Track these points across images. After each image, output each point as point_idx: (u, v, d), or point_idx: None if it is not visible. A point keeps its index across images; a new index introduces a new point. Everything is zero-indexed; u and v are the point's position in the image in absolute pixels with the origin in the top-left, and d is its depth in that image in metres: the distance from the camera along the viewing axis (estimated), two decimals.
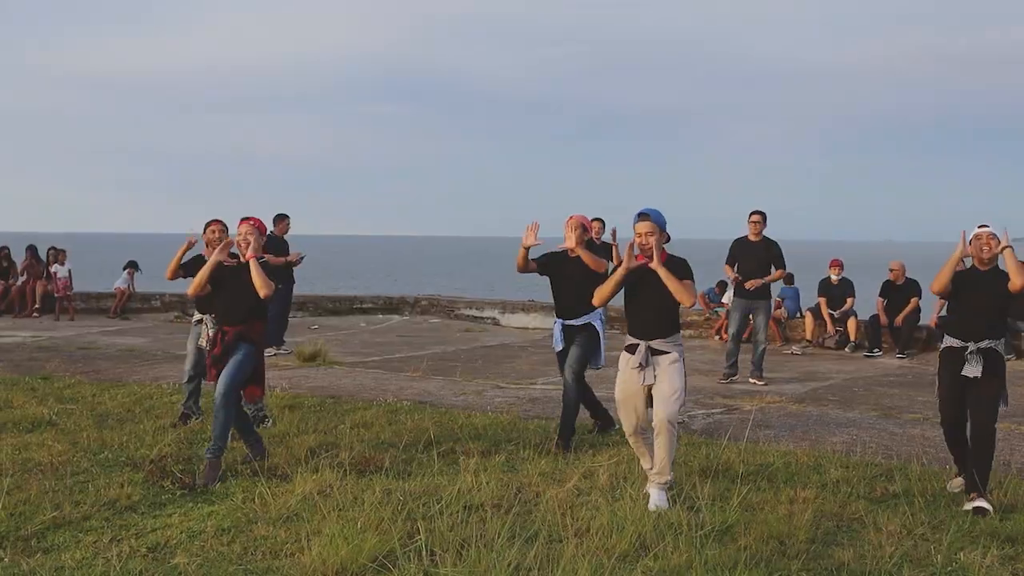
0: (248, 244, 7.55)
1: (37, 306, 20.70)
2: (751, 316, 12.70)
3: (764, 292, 12.45)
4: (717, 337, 17.48)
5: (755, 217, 12.41)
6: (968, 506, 6.61)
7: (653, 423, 6.62)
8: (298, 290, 28.90)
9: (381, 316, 21.42)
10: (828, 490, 6.95)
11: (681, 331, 6.89)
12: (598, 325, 8.49)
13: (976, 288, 6.94)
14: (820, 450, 8.30)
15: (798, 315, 17.23)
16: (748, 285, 12.23)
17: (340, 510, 6.20)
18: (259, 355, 7.61)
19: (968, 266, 7.08)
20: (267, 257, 14.72)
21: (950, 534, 6.02)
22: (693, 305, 6.74)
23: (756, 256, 12.36)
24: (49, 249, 21.32)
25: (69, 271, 20.89)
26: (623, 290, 6.86)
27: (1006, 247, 6.85)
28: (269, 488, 6.58)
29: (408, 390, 11.40)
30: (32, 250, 21.43)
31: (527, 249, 8.27)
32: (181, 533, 5.86)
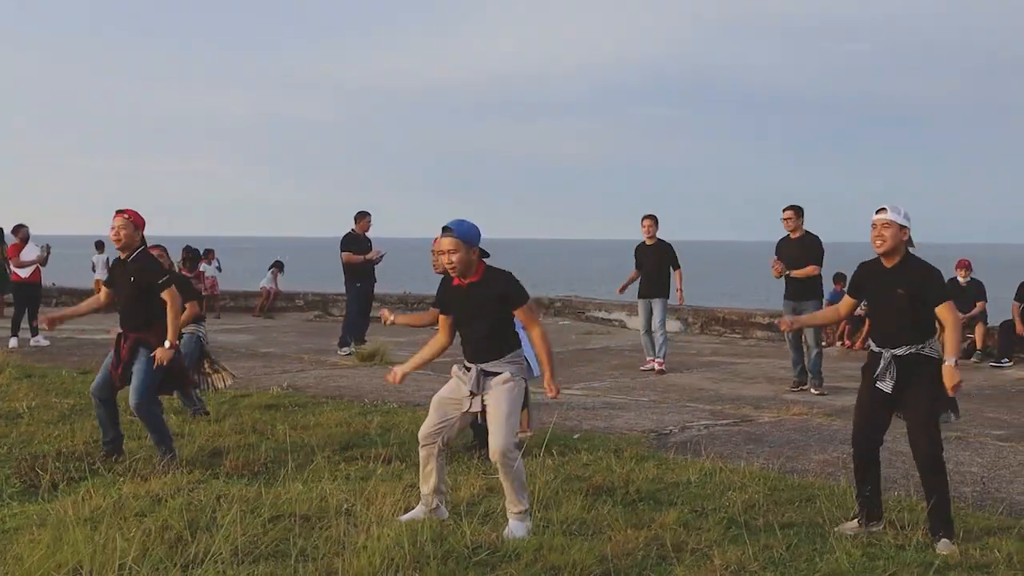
0: (119, 239, 7.29)
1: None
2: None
3: (812, 292, 11.45)
4: (840, 344, 16.17)
5: (787, 213, 11.60)
6: (941, 549, 5.53)
7: (490, 455, 5.84)
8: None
9: None
10: (700, 515, 6.04)
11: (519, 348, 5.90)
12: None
13: (882, 286, 5.92)
14: (756, 469, 7.28)
15: None
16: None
17: (137, 515, 5.89)
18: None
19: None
20: (345, 255, 14.69)
21: (791, 574, 5.09)
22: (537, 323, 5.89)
23: (790, 254, 11.52)
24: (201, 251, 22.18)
25: (217, 270, 21.57)
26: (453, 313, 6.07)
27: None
28: (92, 490, 6.31)
29: (424, 391, 10.90)
30: (185, 250, 22.31)
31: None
32: None
